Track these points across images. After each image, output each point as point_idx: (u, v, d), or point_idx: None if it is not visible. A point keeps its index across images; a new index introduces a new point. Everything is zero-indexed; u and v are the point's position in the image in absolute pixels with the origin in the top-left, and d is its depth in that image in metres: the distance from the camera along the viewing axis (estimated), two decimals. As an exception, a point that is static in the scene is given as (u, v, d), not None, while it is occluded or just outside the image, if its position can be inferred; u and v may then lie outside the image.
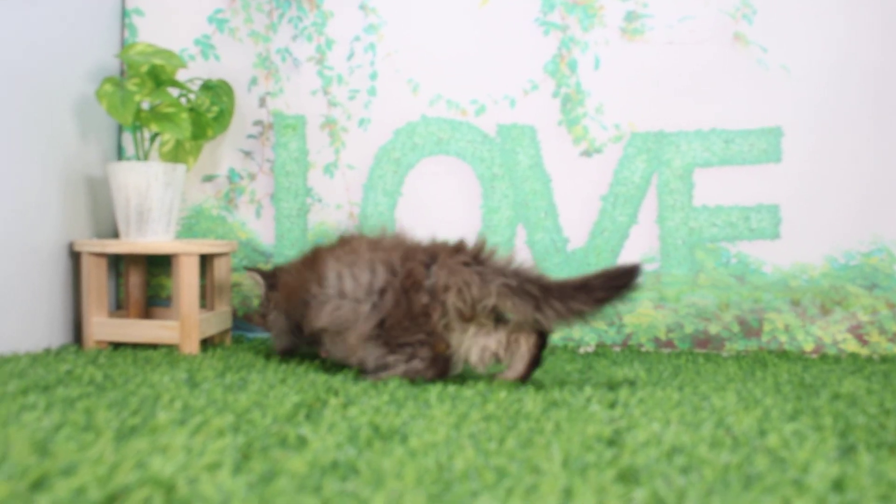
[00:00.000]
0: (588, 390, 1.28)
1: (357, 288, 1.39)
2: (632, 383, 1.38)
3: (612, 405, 1.18)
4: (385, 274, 1.36)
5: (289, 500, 0.68)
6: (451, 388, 1.26)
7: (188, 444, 0.87)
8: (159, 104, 1.73)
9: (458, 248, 1.36)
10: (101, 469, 0.75)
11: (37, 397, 1.12)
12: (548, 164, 1.87)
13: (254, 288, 1.63)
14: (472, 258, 1.33)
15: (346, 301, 1.39)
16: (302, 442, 0.91)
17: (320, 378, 1.34)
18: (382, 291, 1.36)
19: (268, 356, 1.64)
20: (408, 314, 1.34)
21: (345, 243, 1.47)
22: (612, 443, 0.93)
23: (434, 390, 1.24)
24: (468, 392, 1.23)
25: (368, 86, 1.91)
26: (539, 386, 1.32)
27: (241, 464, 0.80)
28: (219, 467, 0.78)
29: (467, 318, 1.32)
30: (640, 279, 1.28)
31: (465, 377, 1.39)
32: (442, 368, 1.35)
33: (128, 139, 1.96)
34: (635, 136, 1.85)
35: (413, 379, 1.34)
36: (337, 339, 1.43)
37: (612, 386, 1.34)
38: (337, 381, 1.32)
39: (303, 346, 1.57)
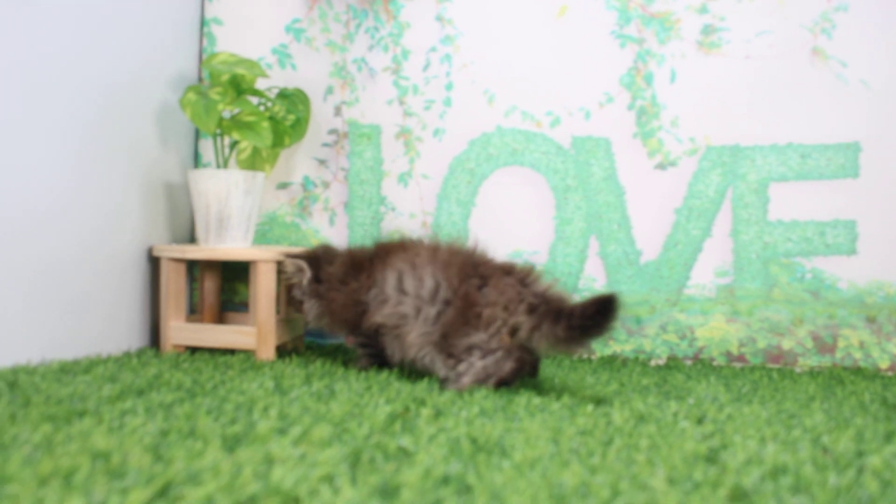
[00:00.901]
0: (673, 405, 1.28)
1: (420, 288, 1.44)
2: (714, 399, 1.37)
3: (700, 421, 1.17)
4: (447, 290, 1.42)
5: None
6: (538, 401, 1.26)
7: (295, 454, 0.88)
8: (240, 112, 1.76)
9: (509, 270, 1.42)
10: (222, 479, 0.77)
11: (134, 402, 1.14)
12: (622, 176, 1.87)
13: (294, 275, 1.63)
14: (518, 281, 1.39)
15: (408, 298, 1.45)
16: (404, 453, 0.92)
17: (405, 387, 1.35)
18: (447, 302, 1.42)
19: (345, 363, 1.65)
20: (465, 323, 1.38)
21: (404, 248, 1.52)
22: (711, 460, 0.93)
23: (521, 402, 1.24)
24: (555, 405, 1.24)
25: (444, 96, 1.92)
26: (623, 399, 1.32)
27: (353, 475, 0.81)
28: (333, 479, 0.80)
29: (510, 333, 1.37)
30: (615, 313, 1.27)
31: (548, 389, 1.39)
32: (518, 359, 1.37)
33: (204, 146, 1.99)
34: (710, 150, 1.85)
35: (492, 378, 1.36)
36: (394, 335, 1.49)
37: (696, 401, 1.34)
38: (421, 389, 1.33)
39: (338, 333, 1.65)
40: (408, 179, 1.92)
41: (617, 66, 1.88)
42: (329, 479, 0.80)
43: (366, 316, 1.52)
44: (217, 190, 1.72)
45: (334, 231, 1.96)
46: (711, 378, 1.61)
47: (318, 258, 1.64)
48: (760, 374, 1.68)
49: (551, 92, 1.89)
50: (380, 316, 1.48)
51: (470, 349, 1.37)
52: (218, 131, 1.76)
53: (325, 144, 1.97)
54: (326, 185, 1.97)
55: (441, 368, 1.42)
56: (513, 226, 1.89)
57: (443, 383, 1.40)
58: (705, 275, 1.85)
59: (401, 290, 1.46)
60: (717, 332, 1.84)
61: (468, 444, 0.97)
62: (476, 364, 1.37)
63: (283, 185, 1.98)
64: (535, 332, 1.34)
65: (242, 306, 1.99)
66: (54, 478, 0.77)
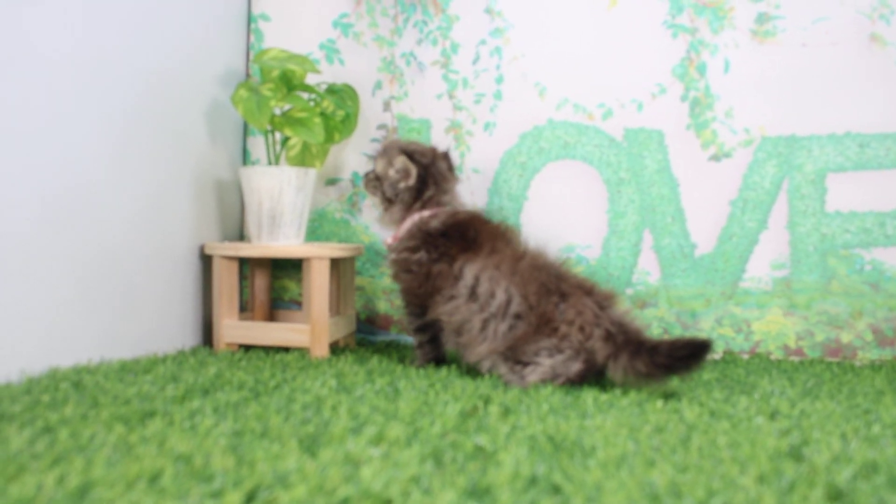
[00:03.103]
0: (742, 400, 1.25)
1: (490, 301, 1.43)
2: (781, 393, 1.35)
3: (773, 416, 1.15)
4: (521, 304, 1.40)
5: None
6: (605, 397, 1.25)
7: (376, 455, 0.87)
8: (291, 109, 1.75)
9: (589, 290, 1.42)
10: (311, 481, 0.76)
11: (201, 402, 1.14)
12: (675, 168, 1.84)
13: (394, 173, 1.63)
14: (597, 304, 1.39)
15: (475, 306, 1.44)
16: (484, 453, 0.91)
17: (468, 384, 1.33)
18: (518, 317, 1.40)
19: (401, 360, 1.64)
20: (537, 333, 1.38)
21: (493, 250, 1.49)
22: (796, 458, 0.91)
23: (588, 399, 1.23)
24: (623, 401, 1.22)
25: (494, 90, 1.90)
26: (690, 396, 1.29)
27: (439, 476, 0.80)
28: (420, 480, 0.78)
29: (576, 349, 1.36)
30: (706, 357, 1.27)
31: (611, 385, 1.37)
32: (586, 361, 1.36)
33: (253, 143, 1.99)
34: (766, 141, 1.82)
35: (560, 378, 1.35)
36: (453, 331, 1.50)
37: (763, 395, 1.31)
38: (485, 387, 1.32)
39: None
40: (459, 174, 1.90)
41: (669, 57, 1.85)
42: (416, 479, 0.78)
43: (433, 301, 1.52)
44: (270, 187, 1.72)
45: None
46: (773, 373, 1.58)
47: (433, 177, 1.63)
48: (821, 369, 1.65)
49: (603, 84, 1.87)
50: (444, 313, 1.47)
51: (538, 352, 1.36)
52: (269, 128, 1.75)
53: (375, 140, 1.96)
54: (376, 180, 1.96)
55: (504, 371, 1.41)
56: (565, 220, 1.87)
57: (507, 381, 1.39)
58: (761, 268, 1.82)
59: (472, 295, 1.45)
60: (773, 326, 1.81)
61: (546, 442, 0.95)
62: (544, 363, 1.35)
63: (333, 182, 1.98)
64: (610, 360, 1.33)
65: (293, 304, 1.99)
66: (140, 480, 0.76)
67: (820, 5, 1.80)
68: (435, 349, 1.57)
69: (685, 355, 1.27)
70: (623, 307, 1.42)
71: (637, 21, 1.86)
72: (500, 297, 1.42)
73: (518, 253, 1.48)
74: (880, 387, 1.45)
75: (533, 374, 1.35)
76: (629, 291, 1.85)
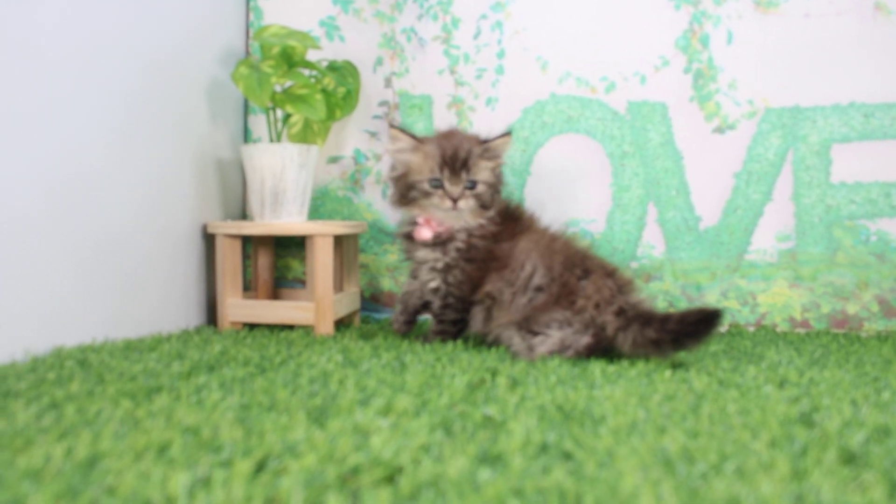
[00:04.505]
0: (751, 370, 1.25)
1: (519, 273, 1.45)
2: (789, 362, 1.35)
3: (782, 385, 1.15)
4: (545, 276, 1.42)
5: (539, 483, 0.67)
6: (613, 368, 1.24)
7: (385, 425, 0.86)
8: (292, 86, 1.74)
9: (611, 272, 1.43)
10: (321, 450, 0.75)
11: (207, 377, 1.13)
12: (679, 141, 1.83)
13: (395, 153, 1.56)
14: (616, 286, 1.40)
15: (515, 277, 1.45)
16: (493, 422, 0.90)
17: (474, 358, 1.33)
18: (539, 289, 1.42)
19: (405, 335, 1.64)
20: (555, 304, 1.39)
21: (530, 229, 1.54)
22: (807, 424, 0.90)
23: (596, 370, 1.22)
24: (632, 372, 1.22)
25: (496, 64, 1.89)
26: (698, 367, 1.29)
27: (450, 445, 0.79)
28: (430, 448, 0.78)
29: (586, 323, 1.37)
30: (717, 325, 1.29)
31: (619, 356, 1.37)
32: (595, 335, 1.36)
33: (254, 121, 1.98)
34: (769, 112, 1.80)
35: (569, 350, 1.35)
36: (485, 307, 1.50)
37: (770, 365, 1.31)
38: (491, 360, 1.32)
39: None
40: (439, 128, 1.88)
41: (672, 29, 1.84)
42: (426, 448, 0.78)
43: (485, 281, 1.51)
44: (272, 164, 1.71)
45: (387, 204, 1.94)
46: (779, 344, 1.58)
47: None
48: (827, 339, 1.65)
49: (606, 57, 1.86)
50: (493, 286, 1.47)
51: (549, 323, 1.36)
52: (270, 105, 1.74)
53: (376, 116, 1.95)
54: (378, 157, 1.95)
55: (517, 342, 1.41)
56: (569, 194, 1.86)
57: (515, 353, 1.39)
58: (766, 240, 1.81)
59: (513, 272, 1.46)
60: (779, 298, 1.81)
61: (556, 411, 0.95)
62: (554, 335, 1.36)
63: (335, 159, 1.97)
64: (620, 332, 1.33)
65: (296, 282, 1.98)
66: (148, 451, 0.75)
67: (824, -26, 1.78)
68: (458, 333, 1.57)
69: (696, 321, 1.27)
70: (642, 296, 1.42)
71: (639, -7, 1.84)
72: (528, 269, 1.43)
73: (548, 232, 1.51)
74: (888, 356, 1.45)
75: (542, 346, 1.35)
76: (634, 265, 1.84)
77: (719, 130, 1.82)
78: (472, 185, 1.49)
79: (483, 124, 1.89)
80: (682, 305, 1.83)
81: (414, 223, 1.54)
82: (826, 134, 1.78)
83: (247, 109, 1.98)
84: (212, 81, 1.83)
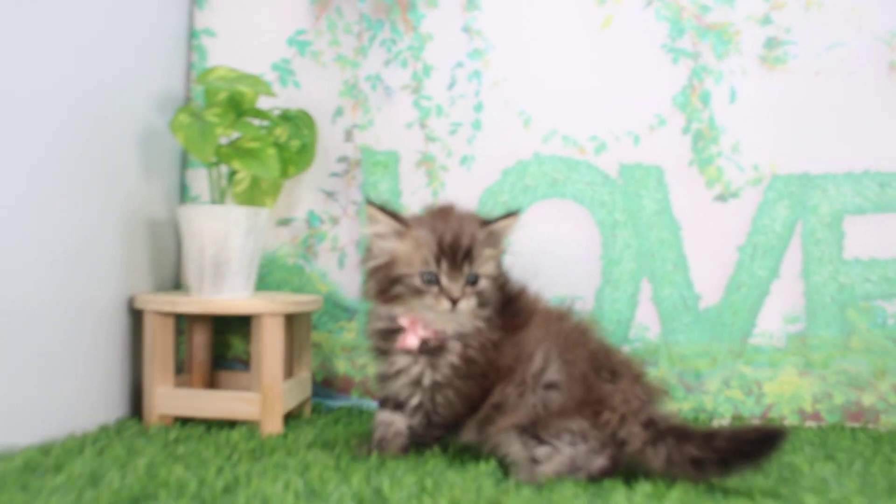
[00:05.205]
0: (809, 499, 1.03)
1: (529, 369, 1.19)
2: (839, 484, 1.13)
3: None
4: (560, 372, 1.18)
5: None
6: (639, 498, 1.01)
7: None
8: (240, 137, 1.50)
9: (638, 375, 1.20)
10: None
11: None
12: (677, 209, 1.64)
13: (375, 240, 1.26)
14: (645, 393, 1.17)
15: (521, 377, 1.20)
16: None
17: (468, 483, 1.08)
18: (551, 387, 1.17)
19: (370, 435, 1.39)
20: (576, 411, 1.14)
21: (538, 311, 1.28)
22: None
23: (619, 499, 0.99)
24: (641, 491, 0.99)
25: (472, 118, 1.67)
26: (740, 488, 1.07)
27: None
28: None
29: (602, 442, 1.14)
30: (779, 448, 1.05)
31: (631, 471, 1.14)
32: (612, 457, 1.13)
33: (193, 175, 1.72)
34: (776, 179, 1.62)
35: (581, 472, 1.11)
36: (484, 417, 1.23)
37: (816, 482, 1.09)
38: (487, 485, 1.07)
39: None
40: (429, 204, 1.66)
41: (669, 85, 1.65)
42: None
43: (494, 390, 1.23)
44: (214, 230, 1.46)
45: (344, 275, 1.70)
46: (805, 448, 1.37)
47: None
48: (848, 438, 1.45)
49: (596, 114, 1.66)
50: (500, 395, 1.21)
51: (560, 434, 1.13)
52: (214, 160, 1.49)
53: (334, 174, 1.71)
54: (335, 220, 1.71)
55: (516, 450, 1.16)
56: (553, 268, 1.63)
57: (514, 470, 1.15)
58: (773, 321, 1.62)
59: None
60: (787, 387, 1.61)
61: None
62: (563, 450, 1.12)
63: (285, 222, 1.72)
64: (649, 446, 1.09)
65: (238, 362, 1.72)
66: None
67: (834, 30, 1.61)
68: (438, 440, 1.30)
69: (753, 440, 1.04)
70: (669, 408, 1.19)
71: (633, 44, 1.65)
72: (538, 362, 1.18)
73: (555, 312, 1.27)
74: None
75: (548, 464, 1.11)
76: (626, 349, 1.63)
77: (721, 198, 1.63)
78: (475, 279, 1.22)
79: (457, 186, 1.67)
80: (680, 395, 1.62)
81: (393, 320, 1.26)
82: (838, 204, 1.61)
83: (185, 163, 1.73)
84: (146, 130, 1.57)
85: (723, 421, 1.61)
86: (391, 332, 1.26)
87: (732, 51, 1.64)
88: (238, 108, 1.50)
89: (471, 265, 1.20)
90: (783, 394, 1.61)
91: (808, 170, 1.62)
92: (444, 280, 1.19)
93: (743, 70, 1.64)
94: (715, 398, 1.62)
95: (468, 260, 1.20)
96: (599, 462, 1.12)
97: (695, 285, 1.64)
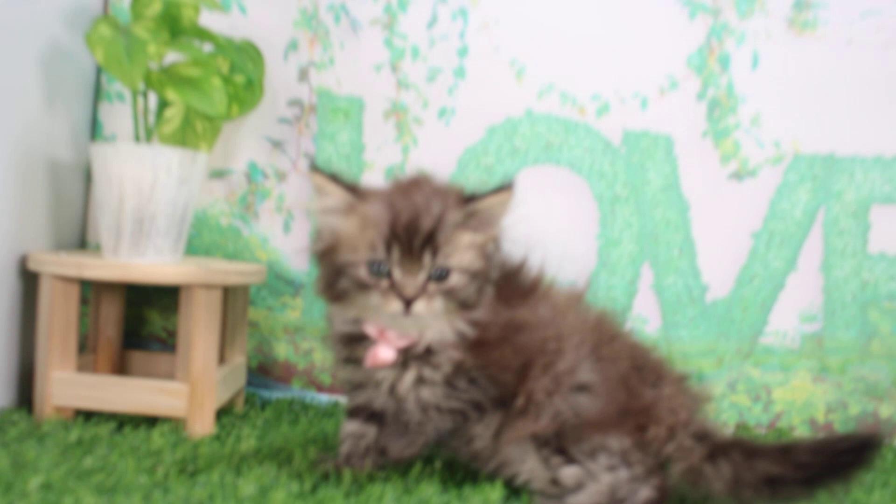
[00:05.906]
0: None
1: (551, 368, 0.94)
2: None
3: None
4: (593, 372, 0.94)
5: None
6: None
7: None
8: (176, 63, 1.20)
9: (682, 379, 1.00)
10: None
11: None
12: (686, 186, 1.43)
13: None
14: (692, 399, 0.98)
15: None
16: None
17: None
18: (582, 388, 0.93)
19: (324, 439, 1.11)
20: (616, 424, 0.91)
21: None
22: None
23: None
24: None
25: (455, 65, 1.42)
26: None
27: None
28: None
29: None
30: (875, 458, 0.86)
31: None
32: (659, 487, 0.90)
33: (107, 110, 1.42)
34: (798, 159, 1.43)
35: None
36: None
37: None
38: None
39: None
40: (398, 174, 1.39)
41: (684, 43, 1.43)
42: None
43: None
44: (138, 176, 1.15)
45: (289, 240, 1.43)
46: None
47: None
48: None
49: (600, 69, 1.43)
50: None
51: (595, 452, 0.88)
52: (142, 87, 1.19)
53: (283, 120, 1.43)
54: (282, 176, 1.43)
55: (533, 468, 0.93)
56: (543, 247, 1.40)
57: (528, 489, 0.92)
58: (787, 319, 1.43)
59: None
60: (799, 394, 1.43)
61: None
62: (600, 477, 0.88)
63: (220, 174, 1.43)
64: (708, 464, 0.88)
65: (154, 341, 1.42)
66: None
67: (871, -4, 1.43)
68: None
69: (845, 449, 0.85)
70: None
71: (646, -8, 1.43)
72: (569, 359, 0.93)
73: (581, 304, 1.05)
74: None
75: (581, 495, 0.87)
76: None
77: (737, 177, 1.43)
78: (442, 274, 0.90)
79: (432, 143, 1.42)
80: (680, 400, 1.41)
81: (357, 323, 0.94)
82: (865, 192, 1.43)
83: (98, 93, 1.42)
84: (50, 47, 1.27)
85: (725, 430, 1.41)
86: (358, 339, 0.95)
87: (758, 9, 1.43)
88: (175, 25, 1.20)
89: (434, 255, 0.89)
90: (794, 401, 1.43)
91: (833, 151, 1.43)
92: (397, 273, 0.88)
93: (768, 32, 1.43)
94: (719, 403, 1.43)
95: (430, 247, 0.88)
96: (644, 494, 0.89)
97: (702, 274, 1.44)
